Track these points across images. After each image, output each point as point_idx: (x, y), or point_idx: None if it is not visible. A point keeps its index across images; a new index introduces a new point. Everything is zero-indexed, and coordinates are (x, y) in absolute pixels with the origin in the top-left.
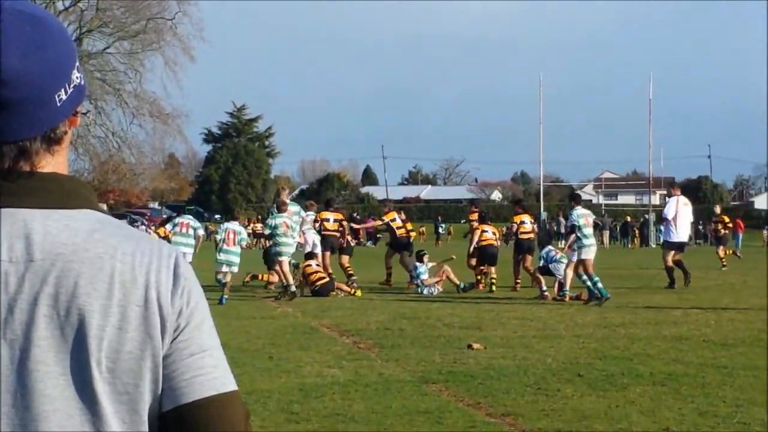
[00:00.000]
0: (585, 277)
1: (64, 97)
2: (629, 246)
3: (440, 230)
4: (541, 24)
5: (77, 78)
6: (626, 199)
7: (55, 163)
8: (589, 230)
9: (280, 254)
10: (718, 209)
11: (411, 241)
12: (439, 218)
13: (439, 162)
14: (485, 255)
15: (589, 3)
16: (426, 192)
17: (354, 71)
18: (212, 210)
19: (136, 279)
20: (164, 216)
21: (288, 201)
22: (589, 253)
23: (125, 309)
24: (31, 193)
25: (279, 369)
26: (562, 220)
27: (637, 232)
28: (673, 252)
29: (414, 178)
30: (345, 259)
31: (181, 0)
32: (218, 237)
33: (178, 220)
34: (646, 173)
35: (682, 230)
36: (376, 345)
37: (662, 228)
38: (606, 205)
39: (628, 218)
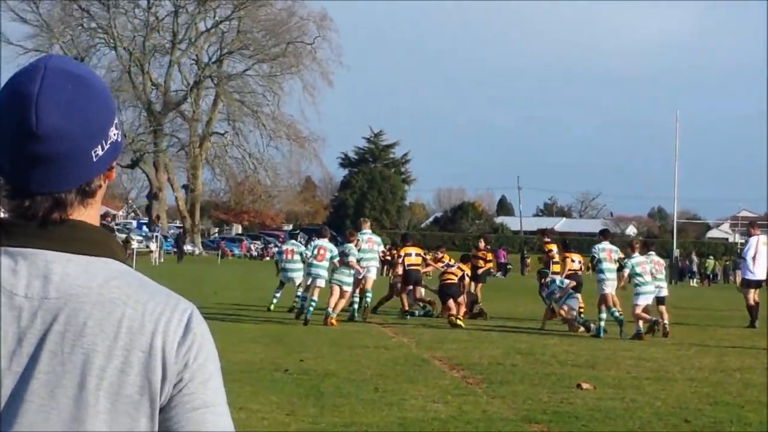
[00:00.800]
0: (598, 310)
1: (100, 152)
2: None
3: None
4: (681, 58)
5: (114, 134)
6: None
7: (87, 214)
8: (609, 265)
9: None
10: None
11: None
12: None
13: (575, 194)
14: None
15: (728, 34)
16: (561, 224)
17: (494, 101)
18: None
19: (144, 326)
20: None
21: (362, 231)
22: (607, 287)
23: (129, 353)
24: (57, 238)
25: (383, 402)
26: (695, 257)
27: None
28: (753, 290)
29: (549, 210)
30: (419, 291)
31: (321, 25)
32: (309, 253)
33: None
34: None
35: (759, 269)
36: (484, 380)
37: (741, 267)
38: (742, 243)
39: None
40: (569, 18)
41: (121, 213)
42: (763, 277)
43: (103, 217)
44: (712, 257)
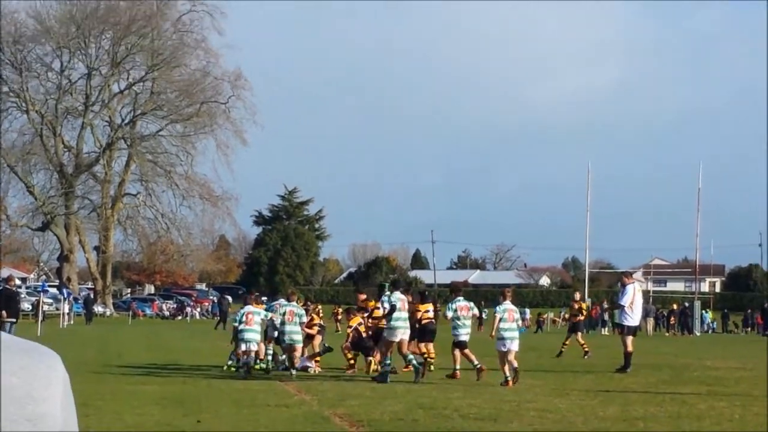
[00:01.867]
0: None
1: None
2: (671, 333)
3: (483, 315)
4: (589, 113)
5: None
6: (675, 286)
7: None
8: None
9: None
10: None
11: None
12: (482, 303)
13: (489, 246)
14: (425, 332)
15: (640, 94)
16: (474, 276)
17: (406, 160)
18: (259, 292)
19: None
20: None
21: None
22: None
23: None
24: None
25: None
26: (605, 306)
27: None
28: (631, 337)
29: (463, 263)
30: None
31: (236, 84)
32: (277, 316)
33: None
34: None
35: (636, 315)
36: None
37: (619, 314)
38: (654, 291)
39: (675, 306)
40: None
41: (32, 276)
42: (638, 323)
43: (7, 280)
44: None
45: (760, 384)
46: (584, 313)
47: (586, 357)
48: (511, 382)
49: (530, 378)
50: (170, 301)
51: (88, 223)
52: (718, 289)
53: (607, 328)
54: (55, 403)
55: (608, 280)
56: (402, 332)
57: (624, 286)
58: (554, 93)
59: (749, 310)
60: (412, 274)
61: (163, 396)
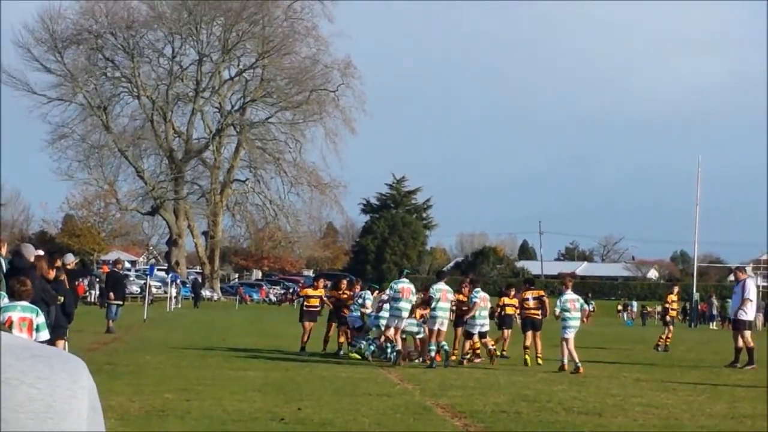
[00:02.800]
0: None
1: None
2: None
3: (589, 307)
4: (702, 103)
5: None
6: None
7: None
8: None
9: None
10: None
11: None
12: (589, 295)
13: (597, 238)
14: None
15: (755, 85)
16: (582, 268)
17: (519, 146)
18: (366, 280)
19: None
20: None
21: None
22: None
23: None
24: None
25: None
26: (714, 300)
27: None
28: (749, 332)
29: (570, 254)
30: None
31: (345, 72)
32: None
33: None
34: None
35: (751, 310)
36: (486, 429)
37: (735, 309)
38: (764, 287)
39: None
40: (603, 64)
41: (141, 259)
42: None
43: (115, 263)
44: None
45: None
46: (675, 307)
47: (658, 349)
48: (566, 367)
49: (637, 372)
50: (277, 287)
51: (197, 208)
52: None
53: (715, 323)
54: (80, 418)
55: (717, 274)
56: (440, 322)
57: (739, 280)
58: (666, 83)
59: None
60: (519, 264)
61: (265, 382)
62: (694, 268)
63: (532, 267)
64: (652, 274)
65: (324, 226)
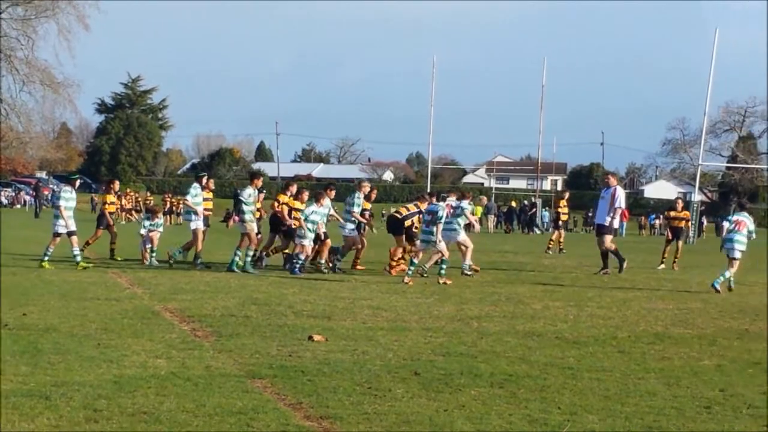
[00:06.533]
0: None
1: None
2: (514, 231)
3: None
4: (438, 6)
5: None
6: (518, 183)
7: None
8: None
9: None
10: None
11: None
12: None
13: (334, 140)
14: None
15: None
16: (318, 170)
17: (256, 47)
18: (100, 181)
19: None
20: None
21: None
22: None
23: None
24: None
25: (103, 358)
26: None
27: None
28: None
29: (307, 156)
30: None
31: None
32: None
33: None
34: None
35: (618, 218)
36: (214, 333)
37: (611, 215)
38: (497, 188)
39: (513, 203)
40: None
41: None
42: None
43: None
44: (471, 203)
45: (594, 282)
46: (566, 212)
47: (549, 252)
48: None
49: (368, 275)
50: (8, 189)
51: None
52: (559, 187)
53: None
54: None
55: (451, 175)
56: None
57: (609, 186)
58: None
59: (591, 209)
60: (256, 166)
61: None
62: (428, 169)
63: (269, 168)
64: (388, 175)
65: (57, 127)
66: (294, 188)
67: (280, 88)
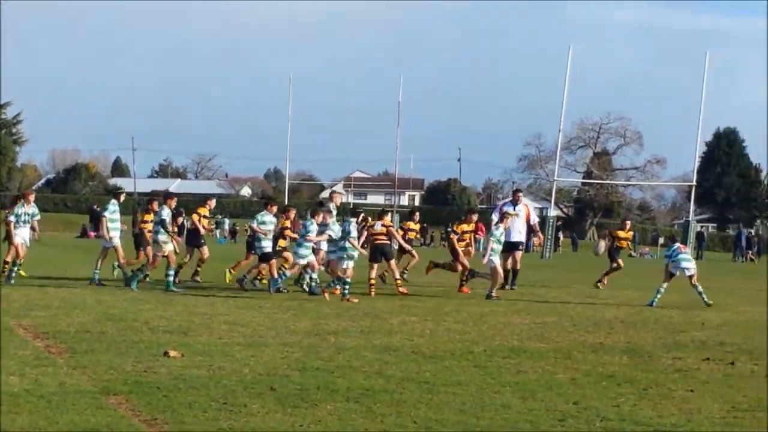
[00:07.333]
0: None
1: None
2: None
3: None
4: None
5: None
6: (376, 198)
7: None
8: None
9: None
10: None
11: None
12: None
13: (191, 156)
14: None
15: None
16: (175, 186)
17: (118, 64)
18: None
19: None
20: None
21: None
22: None
23: None
24: None
25: None
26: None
27: None
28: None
29: (164, 171)
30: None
31: None
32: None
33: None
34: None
35: (524, 233)
36: (68, 349)
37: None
38: (355, 204)
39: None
40: None
41: None
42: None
43: None
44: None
45: (452, 298)
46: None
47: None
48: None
49: (218, 291)
50: None
51: None
52: (417, 202)
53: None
54: None
55: (309, 191)
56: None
57: (517, 203)
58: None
59: (449, 224)
60: (113, 181)
61: None
62: (286, 185)
63: (126, 184)
64: (246, 191)
65: None
66: (292, 213)
67: (137, 104)
